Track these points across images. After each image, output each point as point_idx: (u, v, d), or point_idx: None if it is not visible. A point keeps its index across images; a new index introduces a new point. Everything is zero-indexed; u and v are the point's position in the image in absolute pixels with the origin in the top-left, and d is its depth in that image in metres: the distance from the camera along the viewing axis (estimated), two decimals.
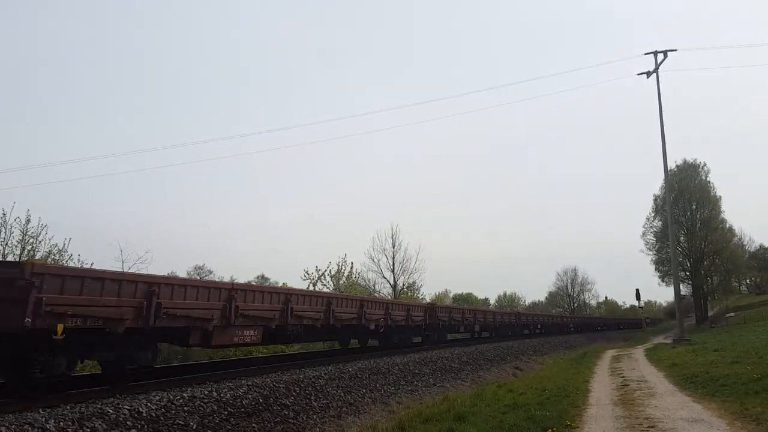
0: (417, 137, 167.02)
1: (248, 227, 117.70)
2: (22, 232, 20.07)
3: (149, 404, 8.54)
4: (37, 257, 19.96)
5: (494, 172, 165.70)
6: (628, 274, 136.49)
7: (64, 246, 20.94)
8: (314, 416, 10.82)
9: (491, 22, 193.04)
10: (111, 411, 7.90)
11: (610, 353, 27.18)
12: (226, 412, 9.35)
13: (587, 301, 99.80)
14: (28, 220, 20.22)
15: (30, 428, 6.85)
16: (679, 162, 59.61)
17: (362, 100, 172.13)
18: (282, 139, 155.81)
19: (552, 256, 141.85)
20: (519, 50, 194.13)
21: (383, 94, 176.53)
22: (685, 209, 57.25)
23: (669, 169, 37.79)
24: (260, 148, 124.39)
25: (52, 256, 20.49)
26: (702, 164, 59.25)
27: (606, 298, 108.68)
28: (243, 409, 9.71)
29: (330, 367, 14.40)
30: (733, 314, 56.66)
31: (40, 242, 20.43)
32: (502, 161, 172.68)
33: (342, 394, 12.45)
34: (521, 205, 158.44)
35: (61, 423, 7.16)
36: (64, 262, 20.31)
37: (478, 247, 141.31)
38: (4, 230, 19.84)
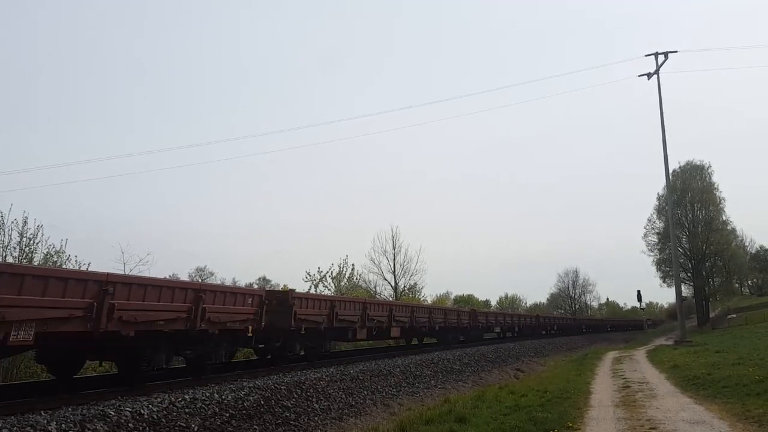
0: (418, 138, 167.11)
1: (250, 229, 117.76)
2: (20, 234, 20.03)
3: (151, 406, 8.53)
4: (35, 260, 19.95)
5: (496, 173, 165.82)
6: (629, 275, 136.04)
7: (61, 247, 20.91)
8: (315, 418, 10.83)
9: (494, 24, 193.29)
10: (113, 413, 7.90)
11: (612, 355, 27.16)
12: (227, 414, 9.35)
13: (589, 303, 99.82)
14: (25, 222, 20.19)
15: (32, 430, 6.85)
16: (683, 163, 59.79)
17: (364, 102, 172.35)
18: (284, 141, 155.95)
19: (553, 257, 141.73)
20: (520, 52, 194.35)
21: (385, 95, 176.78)
22: (687, 210, 57.24)
23: (672, 169, 37.90)
24: (262, 150, 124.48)
25: (50, 258, 20.46)
26: (707, 165, 59.37)
27: (608, 299, 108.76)
28: (244, 411, 9.71)
29: (331, 369, 14.39)
30: (734, 316, 56.66)
31: (37, 244, 20.39)
32: (503, 162, 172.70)
33: (343, 396, 12.45)
34: (523, 207, 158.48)
35: (63, 425, 7.16)
36: (62, 263, 20.27)
37: (479, 249, 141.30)
38: (2, 233, 19.82)
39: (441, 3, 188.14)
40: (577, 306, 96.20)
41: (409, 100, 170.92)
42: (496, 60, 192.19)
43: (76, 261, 20.71)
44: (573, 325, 43.71)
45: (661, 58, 33.61)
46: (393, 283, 40.76)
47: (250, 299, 13.04)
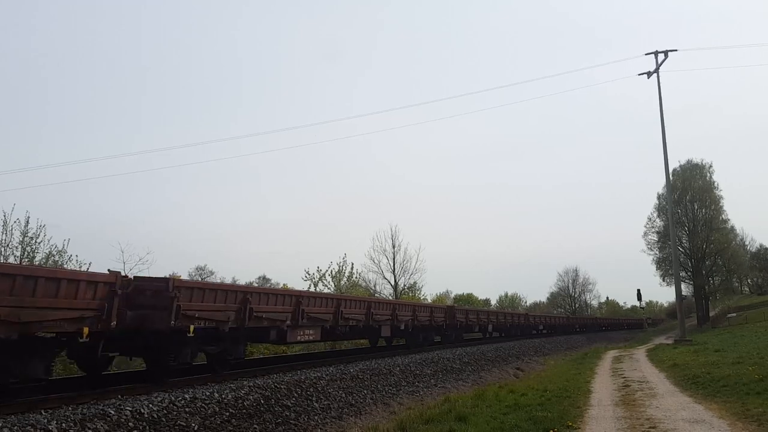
0: (417, 138, 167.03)
1: (249, 228, 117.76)
2: (22, 234, 20.06)
3: (151, 405, 8.54)
4: (36, 259, 19.97)
5: (496, 173, 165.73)
6: (629, 274, 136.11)
7: (63, 247, 20.91)
8: (315, 417, 10.83)
9: (494, 24, 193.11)
10: (113, 412, 7.91)
11: (612, 354, 27.17)
12: (227, 413, 9.35)
13: (588, 302, 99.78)
14: (27, 221, 20.21)
15: (32, 429, 6.86)
16: (683, 162, 59.74)
17: (364, 101, 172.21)
18: (283, 141, 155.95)
19: (553, 256, 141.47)
20: (521, 53, 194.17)
21: (384, 95, 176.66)
22: (687, 209, 57.21)
23: (673, 168, 37.88)
24: (261, 149, 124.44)
25: (52, 258, 20.46)
26: (708, 164, 59.27)
27: (607, 298, 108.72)
28: (244, 410, 9.72)
29: (331, 368, 14.40)
30: (734, 314, 56.59)
31: (39, 243, 20.40)
32: (504, 162, 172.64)
33: (343, 395, 12.46)
34: (523, 206, 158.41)
35: (63, 424, 7.17)
36: (63, 263, 20.28)
37: (479, 249, 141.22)
38: (4, 232, 19.83)
39: (445, 3, 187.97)
40: (576, 305, 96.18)
41: (409, 100, 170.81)
42: (497, 60, 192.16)
43: (77, 261, 20.74)
44: (524, 325, 32.66)
45: (661, 56, 33.66)
46: (393, 282, 40.77)
47: None
